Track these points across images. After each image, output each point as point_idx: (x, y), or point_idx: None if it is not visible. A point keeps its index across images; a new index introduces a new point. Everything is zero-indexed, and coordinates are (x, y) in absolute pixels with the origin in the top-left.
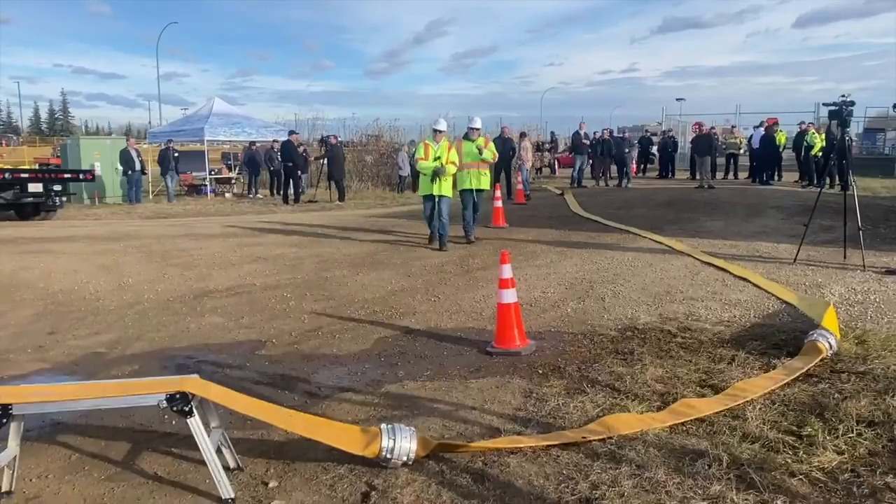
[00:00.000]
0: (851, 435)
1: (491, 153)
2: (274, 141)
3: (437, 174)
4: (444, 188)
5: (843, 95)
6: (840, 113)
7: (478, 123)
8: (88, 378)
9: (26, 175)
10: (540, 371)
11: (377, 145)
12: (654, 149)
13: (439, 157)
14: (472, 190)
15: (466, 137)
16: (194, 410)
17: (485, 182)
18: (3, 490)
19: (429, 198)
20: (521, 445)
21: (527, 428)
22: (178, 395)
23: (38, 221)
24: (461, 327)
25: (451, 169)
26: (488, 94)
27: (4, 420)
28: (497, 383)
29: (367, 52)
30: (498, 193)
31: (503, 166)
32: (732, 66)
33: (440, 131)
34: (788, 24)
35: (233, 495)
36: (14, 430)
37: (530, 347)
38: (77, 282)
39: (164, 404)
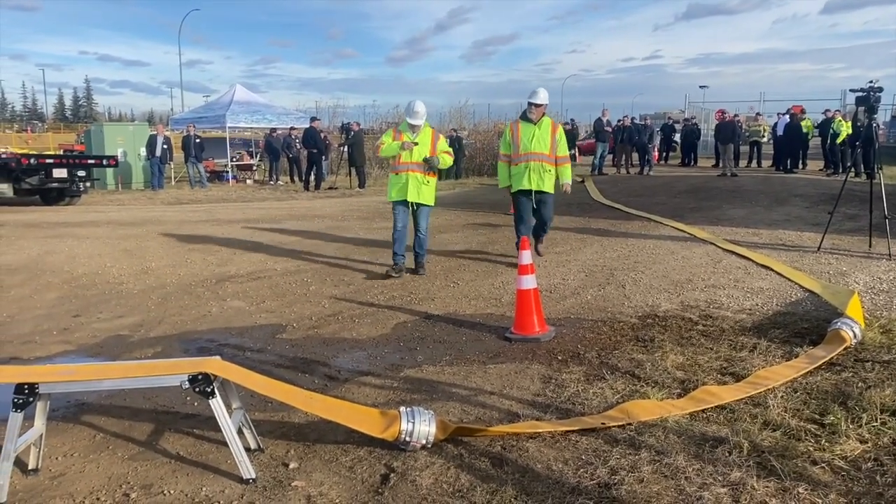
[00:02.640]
0: (875, 424)
1: (563, 149)
2: (291, 128)
3: (429, 164)
4: (424, 193)
5: (871, 81)
6: (867, 99)
7: (542, 98)
8: (112, 360)
9: (51, 161)
10: (559, 357)
11: None
12: (677, 136)
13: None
14: (530, 191)
15: (525, 118)
16: (216, 391)
17: (549, 182)
18: (29, 467)
19: (401, 204)
20: (541, 430)
21: (546, 413)
22: (200, 376)
23: (63, 206)
24: (480, 313)
25: (447, 160)
26: (509, 81)
27: (31, 399)
28: (516, 369)
29: (388, 40)
30: None
31: None
32: (757, 53)
33: (415, 126)
34: (816, 11)
35: (254, 475)
36: (40, 409)
37: (550, 334)
38: (101, 265)
39: (187, 385)
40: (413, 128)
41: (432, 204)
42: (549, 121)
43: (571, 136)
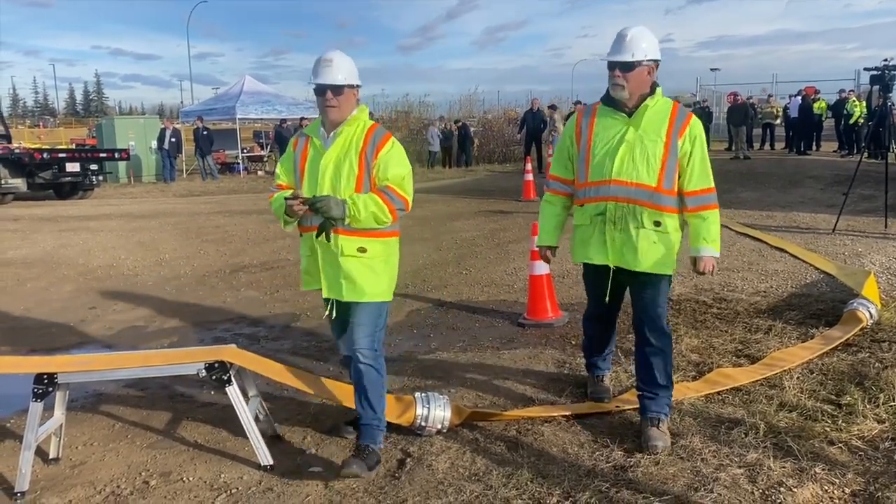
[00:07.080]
0: (892, 404)
1: (703, 174)
2: (302, 118)
3: (322, 228)
4: (358, 278)
5: (886, 60)
6: (882, 77)
7: (637, 46)
8: (129, 350)
9: (64, 155)
10: (573, 342)
11: (407, 121)
12: None
13: (326, 201)
14: (608, 270)
15: (609, 102)
16: (233, 379)
17: (648, 249)
18: (50, 457)
19: (327, 303)
20: (555, 414)
21: (560, 398)
22: (216, 364)
23: (76, 200)
24: (493, 300)
25: (379, 213)
26: (520, 67)
27: (51, 388)
28: (530, 354)
29: (398, 28)
30: (528, 166)
31: (534, 139)
32: (770, 35)
33: (332, 88)
34: None
35: (271, 462)
36: (60, 399)
37: (563, 319)
38: (115, 258)
39: (204, 373)
40: (328, 113)
41: (383, 297)
42: (668, 104)
43: None
